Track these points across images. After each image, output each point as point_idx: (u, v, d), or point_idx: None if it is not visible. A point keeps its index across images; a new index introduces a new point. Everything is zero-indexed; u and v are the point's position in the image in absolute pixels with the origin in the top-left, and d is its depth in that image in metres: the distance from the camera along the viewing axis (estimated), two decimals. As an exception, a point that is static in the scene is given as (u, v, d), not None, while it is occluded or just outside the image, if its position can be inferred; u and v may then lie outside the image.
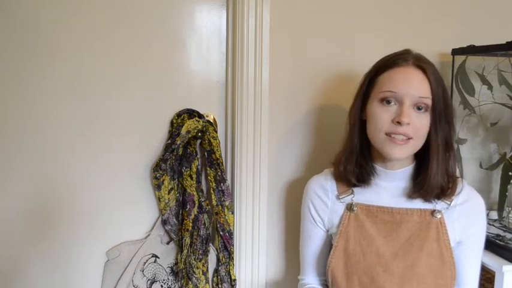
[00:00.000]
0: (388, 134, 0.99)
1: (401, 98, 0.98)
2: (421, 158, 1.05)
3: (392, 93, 0.99)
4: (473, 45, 1.29)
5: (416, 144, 1.00)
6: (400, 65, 1.00)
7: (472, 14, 1.42)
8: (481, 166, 1.43)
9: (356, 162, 1.07)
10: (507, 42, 1.18)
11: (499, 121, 1.38)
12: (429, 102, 0.98)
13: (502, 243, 1.18)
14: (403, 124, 0.97)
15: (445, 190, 1.03)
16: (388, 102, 0.99)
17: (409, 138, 0.98)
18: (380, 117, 1.00)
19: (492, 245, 1.18)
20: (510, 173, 1.27)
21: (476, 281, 1.07)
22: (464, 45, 1.31)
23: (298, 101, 1.34)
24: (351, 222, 1.07)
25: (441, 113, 1.00)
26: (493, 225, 1.31)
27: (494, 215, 1.36)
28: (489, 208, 1.41)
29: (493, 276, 1.15)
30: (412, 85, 0.98)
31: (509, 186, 1.28)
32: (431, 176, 1.01)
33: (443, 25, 1.40)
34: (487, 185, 1.45)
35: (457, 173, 1.07)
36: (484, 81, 1.33)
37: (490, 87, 1.32)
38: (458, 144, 1.37)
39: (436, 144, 1.01)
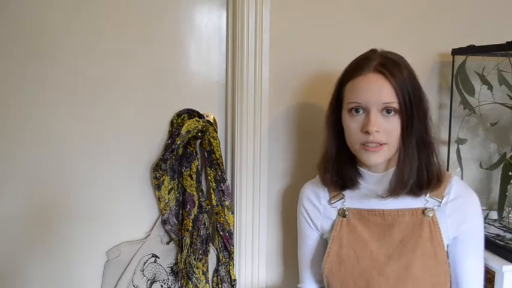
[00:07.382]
0: (362, 144, 0.99)
1: (366, 107, 0.98)
2: None
3: (357, 104, 0.99)
4: (473, 45, 1.29)
5: (391, 148, 0.99)
6: (361, 73, 0.99)
7: (472, 14, 1.42)
8: (481, 166, 1.42)
9: (333, 170, 1.07)
10: (507, 42, 1.18)
11: (499, 121, 1.38)
12: (396, 105, 0.97)
13: (502, 243, 1.18)
14: (371, 133, 0.96)
15: (426, 182, 1.01)
16: (357, 111, 0.99)
17: (382, 144, 0.98)
18: (350, 126, 1.00)
19: (492, 245, 1.18)
20: (510, 173, 1.27)
21: (479, 281, 1.05)
22: (464, 45, 1.31)
23: (298, 101, 1.34)
24: (344, 227, 1.07)
25: (411, 114, 0.97)
26: (493, 225, 1.31)
27: (494, 215, 1.36)
28: (489, 208, 1.41)
29: (493, 276, 1.15)
30: (373, 93, 0.97)
31: (509, 186, 1.27)
32: (404, 172, 1.00)
33: (443, 25, 1.40)
34: (487, 185, 1.45)
35: (442, 168, 1.05)
36: (484, 81, 1.32)
37: (490, 87, 1.32)
38: (458, 144, 1.37)
39: (405, 145, 0.99)
